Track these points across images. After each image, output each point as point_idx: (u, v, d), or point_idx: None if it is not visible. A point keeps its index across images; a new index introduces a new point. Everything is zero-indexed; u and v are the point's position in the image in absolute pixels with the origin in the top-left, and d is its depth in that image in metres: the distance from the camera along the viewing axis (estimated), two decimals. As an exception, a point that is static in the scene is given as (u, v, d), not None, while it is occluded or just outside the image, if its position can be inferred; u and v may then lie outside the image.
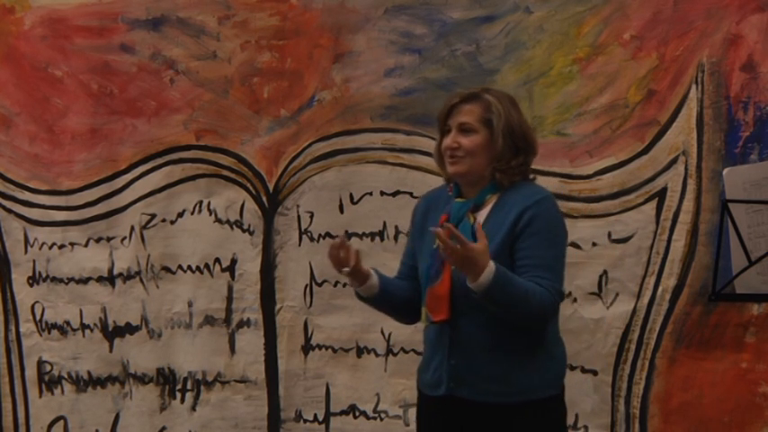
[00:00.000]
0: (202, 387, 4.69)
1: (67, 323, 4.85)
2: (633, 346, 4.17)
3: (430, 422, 3.42)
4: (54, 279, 4.86)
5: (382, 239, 4.46)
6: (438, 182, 4.41)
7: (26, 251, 4.90)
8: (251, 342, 4.64)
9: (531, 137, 3.39)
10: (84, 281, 4.83)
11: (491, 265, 3.11)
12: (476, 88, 3.44)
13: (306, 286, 4.57)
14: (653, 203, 4.17)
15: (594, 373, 4.22)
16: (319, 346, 4.56)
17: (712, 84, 4.10)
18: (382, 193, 4.48)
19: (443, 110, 3.40)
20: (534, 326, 3.26)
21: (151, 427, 4.75)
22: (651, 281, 4.16)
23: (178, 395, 4.72)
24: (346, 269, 3.37)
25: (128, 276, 4.78)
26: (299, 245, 4.59)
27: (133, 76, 4.77)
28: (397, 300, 3.45)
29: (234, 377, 4.66)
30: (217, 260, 4.68)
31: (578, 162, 4.26)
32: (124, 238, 4.78)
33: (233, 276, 4.66)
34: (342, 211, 4.53)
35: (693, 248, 4.11)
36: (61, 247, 4.85)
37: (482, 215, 3.31)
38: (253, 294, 4.64)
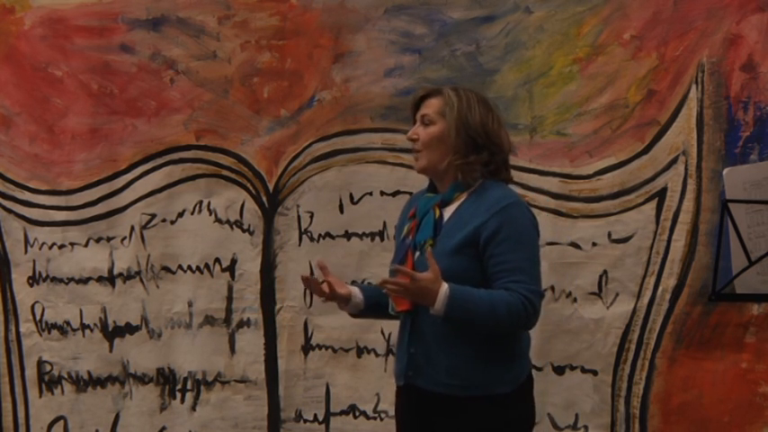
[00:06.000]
0: (202, 387, 4.69)
1: (67, 323, 4.85)
2: (633, 346, 4.17)
3: (397, 412, 3.47)
4: (54, 279, 4.86)
5: (382, 239, 4.46)
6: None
7: (26, 251, 4.90)
8: (251, 342, 4.64)
9: (497, 134, 3.37)
10: (84, 281, 4.83)
11: (444, 288, 3.17)
12: (445, 86, 3.48)
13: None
14: (653, 203, 4.17)
15: (594, 373, 4.22)
16: (319, 346, 4.56)
17: (712, 84, 4.10)
18: (382, 193, 4.49)
19: (411, 103, 3.48)
20: (516, 331, 3.31)
21: (151, 427, 4.75)
22: (651, 281, 4.16)
23: (178, 395, 4.72)
24: (322, 299, 3.47)
25: (128, 276, 4.77)
26: (299, 245, 4.59)
27: (133, 76, 4.77)
28: (385, 305, 3.47)
29: (234, 377, 4.66)
30: (217, 260, 4.68)
31: (578, 162, 4.26)
32: (124, 238, 4.78)
33: (233, 276, 4.66)
34: (342, 211, 4.54)
35: (693, 248, 4.11)
36: (61, 247, 4.85)
37: (449, 210, 3.35)
38: (253, 294, 4.64)
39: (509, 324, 3.22)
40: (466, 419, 3.26)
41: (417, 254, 3.34)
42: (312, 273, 4.56)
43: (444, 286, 3.16)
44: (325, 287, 3.41)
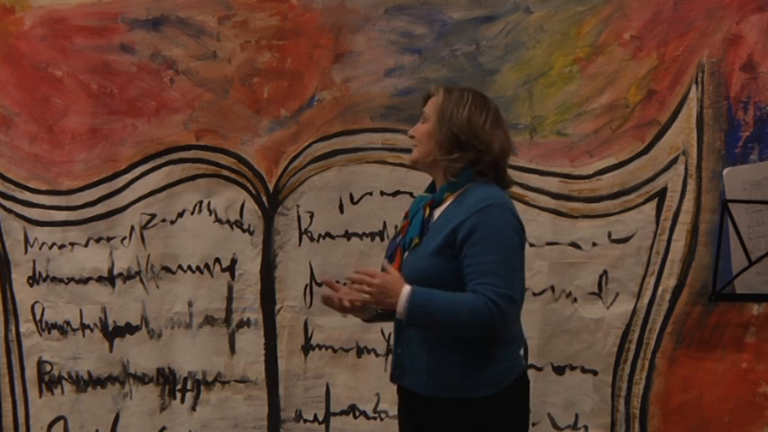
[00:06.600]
0: (202, 387, 4.69)
1: (67, 323, 4.84)
2: (633, 346, 4.17)
3: (399, 411, 3.49)
4: (54, 279, 4.86)
5: (382, 239, 4.46)
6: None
7: (26, 251, 4.90)
8: (251, 342, 4.64)
9: (487, 134, 3.31)
10: (84, 281, 4.83)
11: (405, 290, 3.16)
12: (447, 85, 3.48)
13: (306, 286, 4.57)
14: (653, 203, 4.17)
15: (594, 373, 4.22)
16: (319, 346, 4.56)
17: (712, 84, 4.11)
18: (382, 193, 4.49)
19: (420, 103, 3.48)
20: (484, 335, 3.23)
21: (151, 427, 4.75)
22: (651, 281, 4.16)
23: (178, 395, 4.72)
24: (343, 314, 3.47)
25: (128, 276, 4.77)
26: (299, 245, 4.59)
27: (133, 76, 4.77)
28: None
29: (234, 377, 4.66)
30: (217, 260, 4.68)
31: (578, 162, 4.26)
32: (124, 238, 4.78)
33: (233, 276, 4.66)
34: (342, 211, 4.54)
35: (693, 248, 4.11)
36: (61, 247, 4.85)
37: (438, 212, 3.34)
38: (253, 294, 4.64)
39: (472, 327, 3.16)
40: (449, 421, 3.25)
41: (406, 253, 3.34)
42: (312, 273, 4.57)
43: (406, 288, 3.16)
44: (343, 302, 3.36)
